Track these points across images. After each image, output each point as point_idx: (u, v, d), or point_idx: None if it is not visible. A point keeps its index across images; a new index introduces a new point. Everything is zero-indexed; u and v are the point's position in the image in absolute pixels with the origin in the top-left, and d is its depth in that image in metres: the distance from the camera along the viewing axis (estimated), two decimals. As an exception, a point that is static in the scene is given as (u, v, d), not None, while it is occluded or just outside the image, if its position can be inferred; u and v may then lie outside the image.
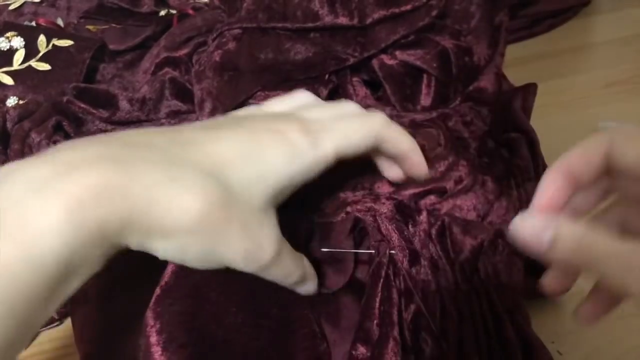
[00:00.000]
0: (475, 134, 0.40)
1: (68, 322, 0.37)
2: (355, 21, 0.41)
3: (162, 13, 0.54)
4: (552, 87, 0.55)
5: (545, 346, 0.28)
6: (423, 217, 0.32)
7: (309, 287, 0.29)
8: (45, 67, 0.46)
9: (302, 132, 0.26)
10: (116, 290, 0.32)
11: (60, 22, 0.54)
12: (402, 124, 0.40)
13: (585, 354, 0.35)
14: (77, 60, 0.47)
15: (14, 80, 0.45)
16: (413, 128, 0.39)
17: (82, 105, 0.42)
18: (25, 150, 0.37)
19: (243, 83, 0.40)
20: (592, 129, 0.52)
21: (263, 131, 0.26)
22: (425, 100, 0.41)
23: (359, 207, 0.32)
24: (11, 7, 0.54)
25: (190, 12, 0.51)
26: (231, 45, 0.42)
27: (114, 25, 0.54)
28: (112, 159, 0.22)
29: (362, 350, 0.27)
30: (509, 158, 0.39)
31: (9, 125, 0.40)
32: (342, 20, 0.41)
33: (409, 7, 0.41)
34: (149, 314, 0.28)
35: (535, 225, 0.23)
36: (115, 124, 0.43)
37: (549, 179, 0.24)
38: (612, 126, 0.50)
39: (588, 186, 0.25)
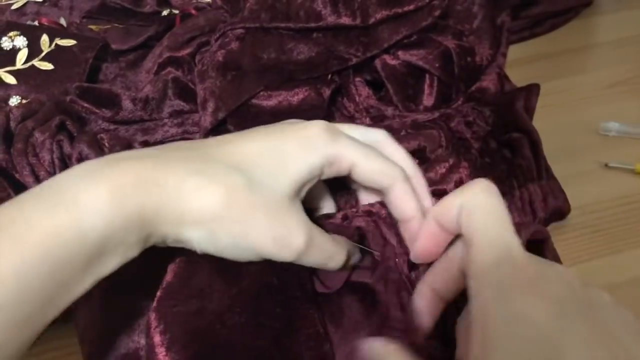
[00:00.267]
0: (477, 134, 0.40)
1: (70, 322, 0.37)
2: (358, 21, 0.41)
3: (165, 13, 0.54)
4: (553, 87, 0.55)
5: None
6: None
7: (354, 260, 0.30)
8: (48, 66, 0.46)
9: (323, 129, 0.28)
10: (119, 291, 0.32)
11: (62, 21, 0.54)
12: (404, 124, 0.40)
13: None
14: (80, 59, 0.47)
15: (17, 79, 0.45)
16: (415, 129, 0.39)
17: (85, 105, 0.42)
18: (29, 150, 0.37)
19: (246, 83, 0.40)
20: (594, 129, 0.53)
21: (290, 131, 0.28)
22: (427, 100, 0.42)
23: (357, 211, 0.32)
24: (14, 7, 0.54)
25: (193, 11, 0.51)
26: (234, 45, 0.42)
27: (116, 25, 0.54)
28: (153, 156, 0.25)
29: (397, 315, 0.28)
30: (511, 158, 0.40)
31: (12, 124, 0.40)
32: (345, 20, 0.41)
33: (411, 7, 0.41)
34: (152, 315, 0.28)
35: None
36: (118, 124, 0.43)
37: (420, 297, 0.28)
38: (613, 126, 0.51)
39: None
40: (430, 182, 0.35)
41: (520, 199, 0.38)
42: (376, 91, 0.43)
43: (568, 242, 0.42)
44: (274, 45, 0.41)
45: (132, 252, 0.25)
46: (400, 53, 0.41)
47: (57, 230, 0.22)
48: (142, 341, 0.30)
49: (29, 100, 0.44)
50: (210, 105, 0.40)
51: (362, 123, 0.41)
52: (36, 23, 0.52)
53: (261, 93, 0.41)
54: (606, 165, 0.48)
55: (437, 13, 0.41)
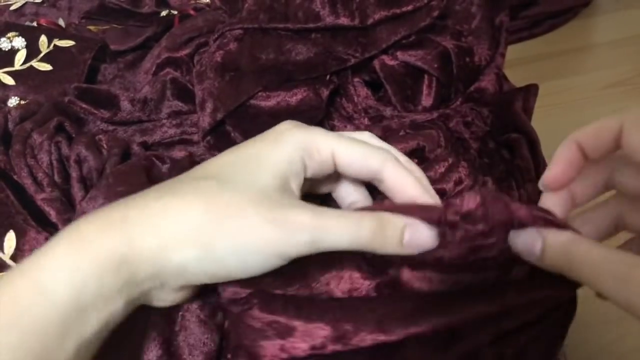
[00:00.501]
0: (476, 134, 0.40)
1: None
2: (357, 22, 0.41)
3: (164, 13, 0.54)
4: (552, 87, 0.55)
5: None
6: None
7: (415, 234, 0.24)
8: (46, 67, 0.46)
9: (293, 124, 0.27)
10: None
11: (61, 22, 0.54)
12: (402, 124, 0.40)
13: (587, 355, 0.35)
14: (79, 60, 0.47)
15: (16, 80, 0.45)
16: (413, 129, 0.39)
17: (84, 106, 0.42)
18: (27, 151, 0.37)
19: (244, 83, 0.40)
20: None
21: (258, 138, 0.27)
22: (426, 100, 0.42)
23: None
24: (12, 8, 0.54)
25: (192, 12, 0.51)
26: (232, 45, 0.42)
27: (115, 25, 0.54)
28: (116, 203, 0.23)
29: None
30: (509, 159, 0.40)
31: (10, 125, 0.40)
32: (343, 20, 0.41)
33: (410, 7, 0.41)
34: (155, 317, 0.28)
35: (527, 237, 0.24)
36: (116, 124, 0.43)
37: (563, 149, 0.25)
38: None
39: (595, 164, 0.26)
40: (430, 181, 0.35)
41: (519, 200, 0.38)
42: (375, 92, 0.43)
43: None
44: (273, 46, 0.41)
45: (115, 304, 0.22)
46: (398, 53, 0.41)
47: (17, 296, 0.20)
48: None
49: (27, 101, 0.44)
50: (209, 106, 0.40)
51: (361, 123, 0.41)
52: (35, 24, 0.52)
53: (260, 94, 0.40)
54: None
55: (435, 13, 0.41)
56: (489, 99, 0.42)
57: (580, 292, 0.28)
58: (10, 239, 0.35)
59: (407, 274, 0.25)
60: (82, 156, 0.38)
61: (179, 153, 0.42)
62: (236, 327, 0.25)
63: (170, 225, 0.22)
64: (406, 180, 0.27)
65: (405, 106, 0.42)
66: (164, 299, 0.25)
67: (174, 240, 0.22)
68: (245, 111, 0.41)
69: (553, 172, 0.26)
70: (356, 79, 0.43)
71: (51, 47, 0.47)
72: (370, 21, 0.41)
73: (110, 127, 0.43)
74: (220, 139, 0.41)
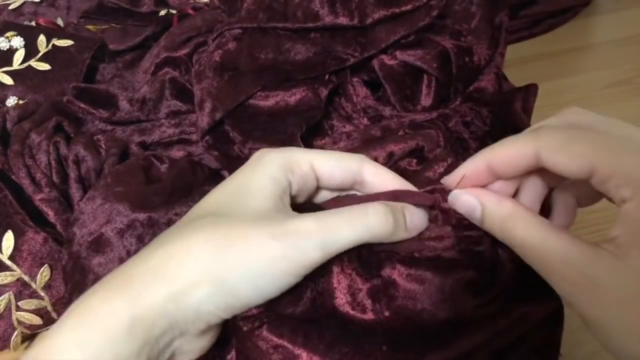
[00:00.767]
0: (475, 134, 0.40)
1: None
2: (356, 21, 0.41)
3: (162, 13, 0.54)
4: (552, 87, 0.55)
5: None
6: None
7: (413, 216, 0.26)
8: (45, 67, 0.46)
9: (267, 149, 0.27)
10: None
11: (60, 22, 0.54)
12: (402, 124, 0.40)
13: (585, 355, 0.35)
14: (77, 60, 0.47)
15: (14, 80, 0.45)
16: (413, 129, 0.39)
17: (82, 105, 0.42)
18: (25, 151, 0.37)
19: (243, 83, 0.40)
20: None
21: (235, 173, 0.27)
22: (425, 100, 0.41)
23: None
24: (11, 7, 0.54)
25: (190, 12, 0.51)
26: (231, 45, 0.42)
27: (113, 25, 0.53)
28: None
29: None
30: (509, 158, 0.39)
31: (8, 125, 0.40)
32: (343, 20, 0.41)
33: (409, 7, 0.41)
34: None
35: (466, 202, 0.25)
36: (115, 124, 0.43)
37: (469, 166, 0.26)
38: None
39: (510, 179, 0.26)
40: (429, 181, 0.34)
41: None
42: (374, 91, 0.43)
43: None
44: (272, 46, 0.41)
45: None
46: (397, 53, 0.41)
47: None
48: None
49: (25, 101, 0.44)
50: (208, 106, 0.40)
51: (360, 123, 0.41)
52: (33, 23, 0.52)
53: (258, 93, 0.40)
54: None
55: (434, 13, 0.41)
56: (488, 99, 0.42)
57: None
58: (9, 239, 0.35)
59: (399, 274, 0.25)
60: (81, 156, 0.38)
61: (177, 153, 0.42)
62: (243, 345, 0.25)
63: (177, 269, 0.22)
64: (387, 175, 0.28)
65: (404, 106, 0.41)
66: (188, 350, 0.24)
67: (185, 284, 0.22)
68: (244, 111, 0.40)
69: (449, 181, 0.27)
70: (355, 79, 0.42)
71: (50, 46, 0.47)
72: (369, 21, 0.41)
73: (109, 127, 0.43)
74: (219, 138, 0.40)
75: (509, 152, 0.24)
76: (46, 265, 0.35)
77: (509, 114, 0.41)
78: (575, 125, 0.24)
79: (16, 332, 0.35)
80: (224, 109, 0.40)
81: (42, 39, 0.47)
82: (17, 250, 0.35)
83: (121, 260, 0.33)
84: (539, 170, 0.25)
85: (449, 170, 0.36)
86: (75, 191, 0.36)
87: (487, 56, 0.42)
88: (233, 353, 0.27)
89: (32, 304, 0.35)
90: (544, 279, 0.23)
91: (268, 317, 0.25)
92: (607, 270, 0.21)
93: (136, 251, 0.33)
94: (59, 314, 0.37)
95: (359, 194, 0.29)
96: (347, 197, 0.29)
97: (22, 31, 0.48)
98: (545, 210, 0.28)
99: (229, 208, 0.24)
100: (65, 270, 0.34)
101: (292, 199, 0.27)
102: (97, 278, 0.33)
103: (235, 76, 0.41)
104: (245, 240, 0.23)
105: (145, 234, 0.33)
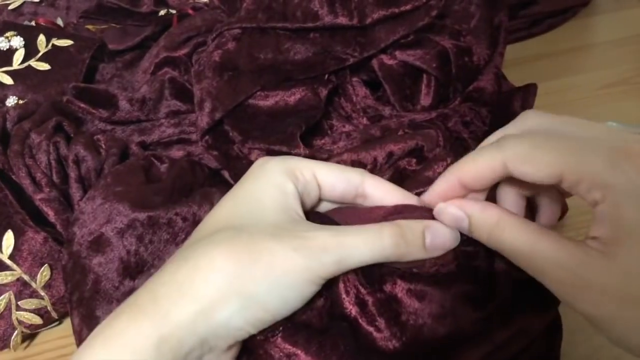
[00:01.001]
0: (474, 134, 0.40)
1: (67, 321, 0.37)
2: (355, 21, 0.41)
3: (162, 13, 0.54)
4: (551, 87, 0.55)
5: None
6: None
7: (437, 235, 0.25)
8: (44, 66, 0.46)
9: (267, 158, 0.28)
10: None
11: (59, 21, 0.54)
12: (401, 124, 0.40)
13: (585, 354, 0.35)
14: (77, 60, 0.47)
15: (14, 80, 0.45)
16: (412, 128, 0.39)
17: (82, 105, 0.42)
18: (25, 151, 0.37)
19: (243, 83, 0.40)
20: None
21: (239, 182, 0.27)
22: (424, 100, 0.41)
23: None
24: (11, 7, 0.54)
25: (190, 11, 0.51)
26: (231, 45, 0.42)
27: (113, 25, 0.54)
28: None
29: None
30: (508, 158, 0.39)
31: (8, 125, 0.40)
32: (342, 20, 0.41)
33: (408, 7, 0.41)
34: None
35: (452, 214, 0.25)
36: (114, 124, 0.43)
37: (441, 184, 0.26)
38: (612, 126, 0.51)
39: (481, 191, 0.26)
40: (429, 181, 0.34)
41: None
42: (373, 91, 0.43)
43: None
44: (271, 46, 0.41)
45: None
46: (397, 53, 0.41)
47: None
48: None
49: (25, 100, 0.44)
50: (207, 106, 0.40)
51: (360, 123, 0.41)
52: (33, 23, 0.52)
53: (258, 93, 0.40)
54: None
55: (434, 13, 0.41)
56: (487, 99, 0.42)
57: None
58: (9, 239, 0.35)
59: (401, 289, 0.26)
60: (81, 156, 0.38)
61: (177, 152, 0.42)
62: (254, 355, 0.25)
63: (203, 285, 0.22)
64: (388, 187, 0.28)
65: (404, 106, 0.41)
66: None
67: (213, 299, 0.22)
68: (244, 111, 0.41)
69: (427, 198, 0.27)
70: (355, 79, 0.42)
71: (49, 46, 0.47)
72: (368, 20, 0.41)
73: (109, 127, 0.43)
74: (219, 138, 0.40)
75: (476, 166, 0.25)
76: (46, 264, 0.35)
77: (508, 113, 0.41)
78: (537, 131, 0.25)
79: (16, 332, 0.35)
80: (224, 109, 0.40)
81: (41, 38, 0.47)
82: (17, 249, 0.35)
83: (121, 260, 0.33)
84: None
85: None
86: (75, 191, 0.36)
87: (486, 56, 0.42)
88: None
89: (32, 303, 0.35)
90: (539, 281, 0.23)
91: (284, 325, 0.25)
92: (599, 271, 0.21)
93: (136, 251, 0.33)
94: (59, 313, 0.37)
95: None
96: (350, 208, 0.29)
97: (22, 31, 0.48)
98: (533, 209, 0.28)
99: (244, 220, 0.25)
100: (66, 270, 0.34)
101: None
102: (97, 278, 0.33)
103: (235, 76, 0.41)
104: (269, 253, 0.23)
105: (145, 233, 0.34)
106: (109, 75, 0.49)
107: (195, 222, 0.34)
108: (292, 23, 0.41)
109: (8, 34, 0.47)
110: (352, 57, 0.41)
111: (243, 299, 0.22)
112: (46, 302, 0.36)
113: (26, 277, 0.35)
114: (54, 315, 0.36)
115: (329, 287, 0.25)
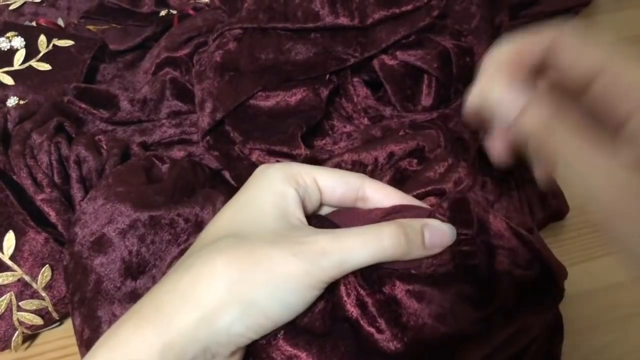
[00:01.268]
0: (475, 134, 0.40)
1: (68, 322, 0.37)
2: (356, 21, 0.41)
3: (163, 13, 0.54)
4: (552, 87, 0.55)
5: None
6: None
7: (435, 233, 0.25)
8: (45, 67, 0.46)
9: (267, 164, 0.28)
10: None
11: (60, 22, 0.54)
12: (402, 124, 0.40)
13: (586, 354, 0.35)
14: (78, 60, 0.47)
15: (15, 80, 0.45)
16: (413, 129, 0.39)
17: (83, 106, 0.42)
18: (26, 152, 0.37)
19: (244, 83, 0.40)
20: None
21: (241, 190, 0.28)
22: (425, 100, 0.41)
23: None
24: (11, 7, 0.54)
25: (191, 12, 0.51)
26: (232, 45, 0.42)
27: (114, 25, 0.53)
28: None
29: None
30: (509, 158, 0.39)
31: (9, 125, 0.40)
32: (343, 20, 0.41)
33: (409, 7, 0.41)
34: None
35: (508, 94, 0.24)
36: (115, 124, 0.43)
37: (503, 47, 0.25)
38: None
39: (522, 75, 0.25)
40: (429, 182, 0.35)
41: (519, 200, 0.38)
42: (374, 91, 0.43)
43: (566, 243, 0.42)
44: (272, 46, 0.41)
45: None
46: (398, 53, 0.41)
47: None
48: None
49: (26, 101, 0.44)
50: (208, 106, 0.40)
51: (360, 123, 0.41)
52: (34, 23, 0.52)
53: (259, 93, 0.40)
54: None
55: (435, 13, 0.41)
56: (488, 99, 0.42)
57: (565, 298, 0.28)
58: (10, 239, 0.35)
59: (400, 290, 0.26)
60: (82, 157, 0.38)
61: (178, 153, 0.42)
62: (258, 359, 0.25)
63: (205, 292, 0.22)
64: (388, 190, 0.28)
65: (405, 106, 0.42)
66: None
67: (214, 306, 0.22)
68: (245, 111, 0.41)
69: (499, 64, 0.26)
70: (356, 79, 0.43)
71: (50, 46, 0.47)
72: (369, 21, 0.41)
73: (110, 127, 0.43)
74: (220, 138, 0.40)
75: (538, 36, 0.24)
76: (47, 265, 0.35)
77: (509, 114, 0.41)
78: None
79: (17, 333, 0.35)
80: (225, 109, 0.40)
81: (42, 39, 0.47)
82: (18, 250, 0.35)
83: (123, 260, 0.33)
84: None
85: (450, 170, 0.36)
86: (76, 191, 0.36)
87: (487, 56, 0.42)
88: None
89: (33, 304, 0.35)
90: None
91: (285, 328, 0.25)
92: None
93: (138, 251, 0.33)
94: (60, 314, 0.37)
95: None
96: (349, 209, 0.29)
97: (23, 31, 0.48)
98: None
99: (245, 227, 0.25)
100: (67, 271, 0.34)
101: None
102: (99, 278, 0.33)
103: (236, 76, 0.41)
104: (270, 259, 0.23)
105: (147, 234, 0.34)
106: (110, 76, 0.49)
107: (198, 223, 0.34)
108: (293, 23, 0.41)
109: (9, 34, 0.47)
110: (353, 58, 0.41)
111: (244, 306, 0.22)
112: (47, 303, 0.36)
113: (27, 278, 0.35)
114: (55, 315, 0.36)
115: (331, 289, 0.26)
